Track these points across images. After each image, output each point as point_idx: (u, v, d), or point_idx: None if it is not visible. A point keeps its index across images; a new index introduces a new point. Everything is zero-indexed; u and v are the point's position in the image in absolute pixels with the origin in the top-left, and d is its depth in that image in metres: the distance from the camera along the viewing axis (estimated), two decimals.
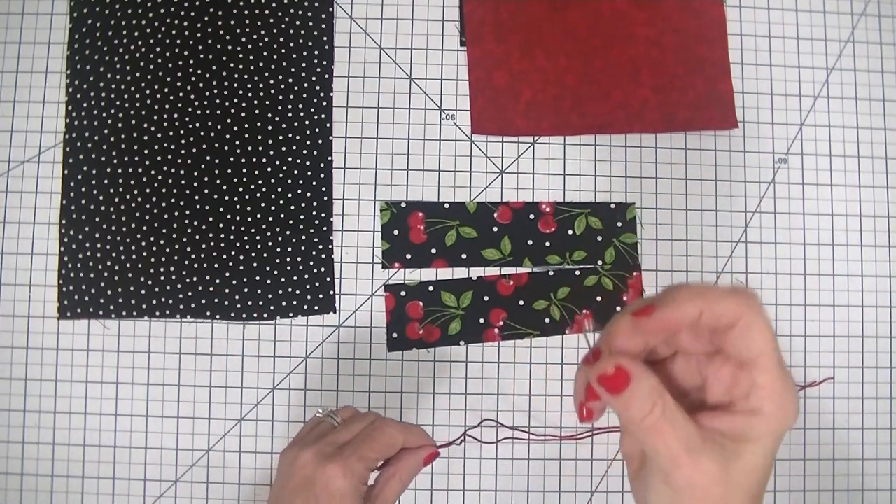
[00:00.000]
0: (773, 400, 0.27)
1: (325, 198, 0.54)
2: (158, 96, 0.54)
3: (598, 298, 0.54)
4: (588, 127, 0.55)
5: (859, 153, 0.57)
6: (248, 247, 0.54)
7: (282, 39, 0.55)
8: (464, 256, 0.54)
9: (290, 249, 0.54)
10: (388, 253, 0.54)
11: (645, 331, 0.27)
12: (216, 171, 0.54)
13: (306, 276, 0.54)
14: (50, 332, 0.54)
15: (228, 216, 0.54)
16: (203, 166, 0.54)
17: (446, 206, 0.55)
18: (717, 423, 0.27)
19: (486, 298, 0.54)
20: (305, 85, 0.55)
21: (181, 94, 0.54)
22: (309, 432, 0.42)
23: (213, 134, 0.54)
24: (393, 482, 0.40)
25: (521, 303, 0.54)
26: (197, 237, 0.54)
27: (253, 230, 0.54)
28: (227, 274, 0.53)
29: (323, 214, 0.54)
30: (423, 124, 0.55)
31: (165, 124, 0.54)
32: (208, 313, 0.53)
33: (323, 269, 0.54)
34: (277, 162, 0.54)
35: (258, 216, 0.54)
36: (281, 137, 0.55)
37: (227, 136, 0.54)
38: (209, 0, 0.55)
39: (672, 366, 0.30)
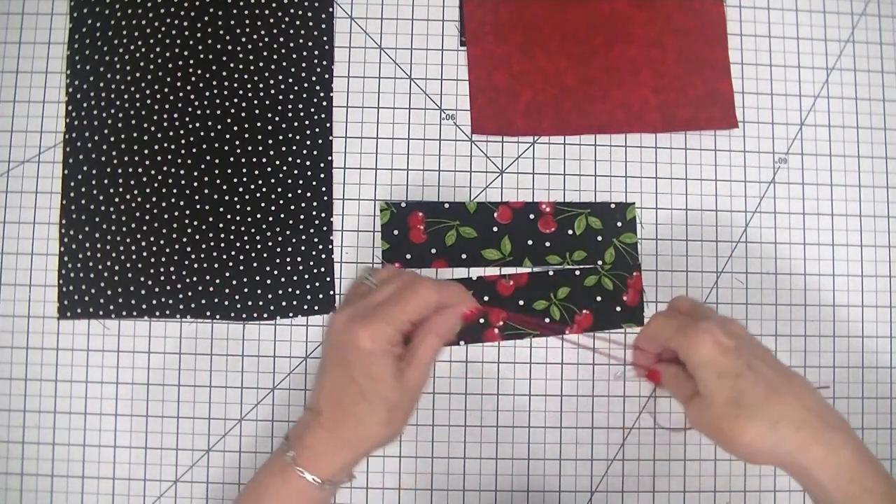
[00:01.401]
0: (681, 348, 0.41)
1: (325, 198, 0.54)
2: (158, 96, 0.54)
3: (598, 298, 0.54)
4: (588, 127, 0.55)
5: (859, 153, 0.57)
6: (248, 247, 0.54)
7: (282, 39, 0.55)
8: (464, 256, 0.54)
9: (290, 249, 0.54)
10: (388, 253, 0.54)
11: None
12: (216, 171, 0.54)
13: (306, 276, 0.54)
14: (50, 332, 0.54)
15: (228, 216, 0.54)
16: (203, 166, 0.54)
17: (446, 206, 0.55)
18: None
19: (486, 298, 0.54)
20: (305, 85, 0.55)
21: (181, 94, 0.54)
22: (352, 295, 0.42)
23: (213, 134, 0.54)
24: (429, 338, 0.39)
25: (521, 303, 0.54)
26: (197, 237, 0.54)
27: (253, 230, 0.54)
28: (227, 274, 0.53)
29: (323, 214, 0.54)
30: (423, 124, 0.55)
31: (165, 124, 0.54)
32: (208, 313, 0.53)
33: (323, 269, 0.54)
34: (277, 162, 0.54)
35: (258, 216, 0.54)
36: (281, 137, 0.55)
37: (227, 136, 0.54)
38: (209, 0, 0.55)
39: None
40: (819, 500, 0.39)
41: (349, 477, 0.42)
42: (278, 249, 0.54)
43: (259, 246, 0.54)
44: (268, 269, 0.54)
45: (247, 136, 0.54)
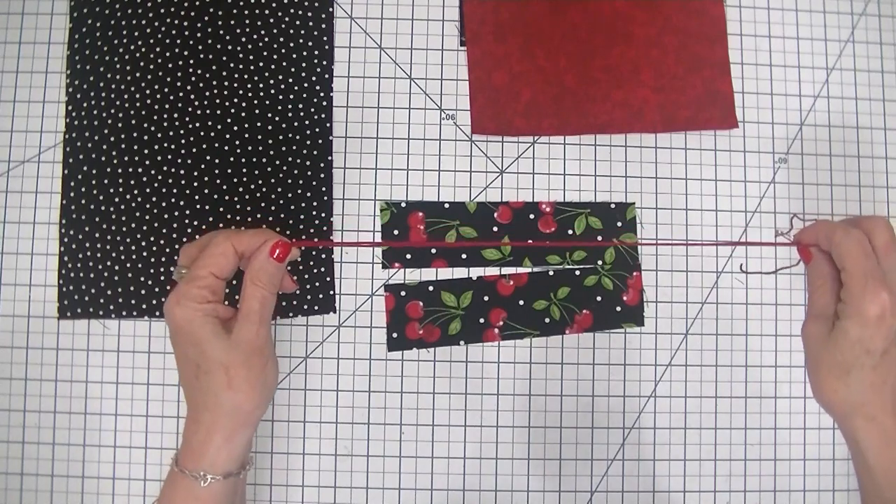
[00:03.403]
0: (852, 292, 0.39)
1: (325, 198, 0.54)
2: (158, 96, 0.54)
3: (598, 298, 0.54)
4: (588, 127, 0.55)
5: (859, 153, 0.57)
6: None
7: (282, 39, 0.55)
8: (464, 256, 0.54)
9: None
10: (388, 253, 0.54)
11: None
12: (216, 171, 0.54)
13: (306, 276, 0.54)
14: (50, 332, 0.54)
15: (228, 216, 0.54)
16: (203, 166, 0.54)
17: (446, 206, 0.55)
18: (838, 310, 0.40)
19: (486, 298, 0.54)
20: (305, 85, 0.55)
21: (181, 94, 0.54)
22: None
23: (213, 134, 0.54)
24: (248, 289, 0.37)
25: (521, 303, 0.54)
26: (197, 237, 0.53)
27: None
28: None
29: (323, 214, 0.54)
30: (423, 124, 0.55)
31: (165, 124, 0.54)
32: None
33: (323, 269, 0.54)
34: (277, 162, 0.54)
35: (258, 216, 0.54)
36: (281, 137, 0.55)
37: (227, 136, 0.54)
38: (209, 0, 0.55)
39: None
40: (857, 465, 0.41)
41: (239, 465, 0.39)
42: None
43: None
44: None
45: (247, 136, 0.54)
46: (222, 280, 0.38)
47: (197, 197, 0.54)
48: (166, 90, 0.54)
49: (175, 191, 0.54)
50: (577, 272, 0.54)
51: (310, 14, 0.56)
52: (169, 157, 0.54)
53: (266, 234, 0.39)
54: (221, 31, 0.55)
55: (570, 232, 0.55)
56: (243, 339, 0.37)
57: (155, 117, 0.54)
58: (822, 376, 0.40)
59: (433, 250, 0.54)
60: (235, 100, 0.55)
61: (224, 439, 0.37)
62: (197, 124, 0.54)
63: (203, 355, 0.36)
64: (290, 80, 0.55)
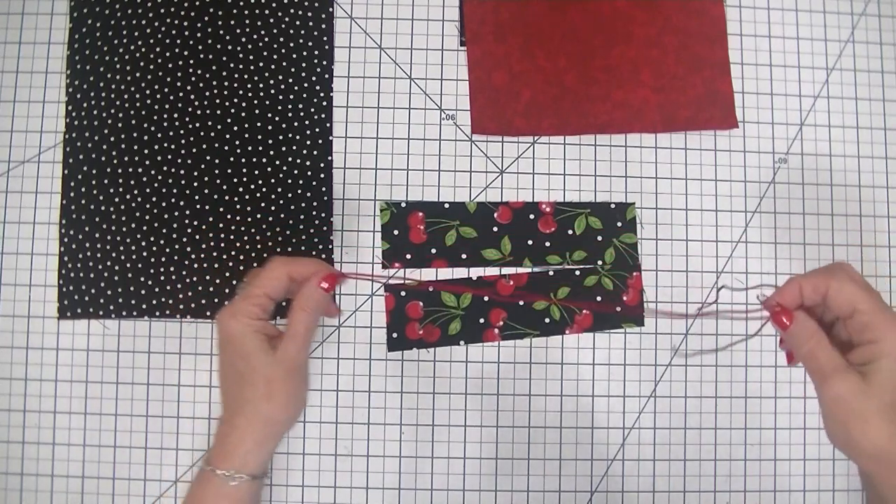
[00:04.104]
0: (880, 328, 0.37)
1: (325, 198, 0.54)
2: (158, 96, 0.54)
3: (598, 298, 0.54)
4: (588, 127, 0.55)
5: (859, 153, 0.57)
6: (248, 247, 0.54)
7: (282, 39, 0.55)
8: (464, 256, 0.54)
9: (290, 249, 0.54)
10: (388, 253, 0.54)
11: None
12: (216, 171, 0.54)
13: None
14: (50, 332, 0.54)
15: (228, 216, 0.54)
16: (203, 166, 0.54)
17: (446, 206, 0.55)
18: (853, 357, 0.38)
19: (486, 298, 0.54)
20: (305, 85, 0.55)
21: (181, 94, 0.54)
22: None
23: (213, 134, 0.54)
24: (295, 313, 0.41)
25: (521, 303, 0.54)
26: (197, 237, 0.54)
27: (253, 230, 0.54)
28: (227, 274, 0.53)
29: (323, 214, 0.54)
30: (423, 124, 0.55)
31: (165, 124, 0.54)
32: (208, 313, 0.53)
33: None
34: (277, 162, 0.54)
35: (258, 216, 0.54)
36: (281, 137, 0.55)
37: (227, 136, 0.54)
38: (209, 0, 0.55)
39: (833, 328, 0.41)
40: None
41: (263, 470, 0.42)
42: (278, 249, 0.54)
43: (259, 246, 0.54)
44: None
45: (247, 136, 0.54)
46: (273, 301, 0.42)
47: (197, 197, 0.54)
48: (166, 90, 0.54)
49: (175, 191, 0.54)
50: (577, 272, 0.54)
51: (310, 14, 0.56)
52: (169, 157, 0.54)
53: (318, 265, 0.43)
54: (221, 31, 0.55)
55: (570, 232, 0.55)
56: (286, 357, 0.40)
57: (155, 117, 0.54)
58: (872, 426, 0.37)
59: (433, 250, 0.54)
60: (235, 100, 0.55)
61: (255, 444, 0.40)
62: (197, 124, 0.54)
63: (248, 367, 0.40)
64: (290, 80, 0.55)
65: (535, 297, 0.54)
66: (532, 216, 0.55)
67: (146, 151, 0.54)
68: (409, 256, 0.54)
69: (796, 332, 0.39)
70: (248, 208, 0.54)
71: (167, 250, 0.53)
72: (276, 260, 0.42)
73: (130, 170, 0.54)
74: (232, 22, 0.55)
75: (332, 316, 0.45)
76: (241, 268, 0.53)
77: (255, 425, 0.40)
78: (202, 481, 0.40)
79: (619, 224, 0.55)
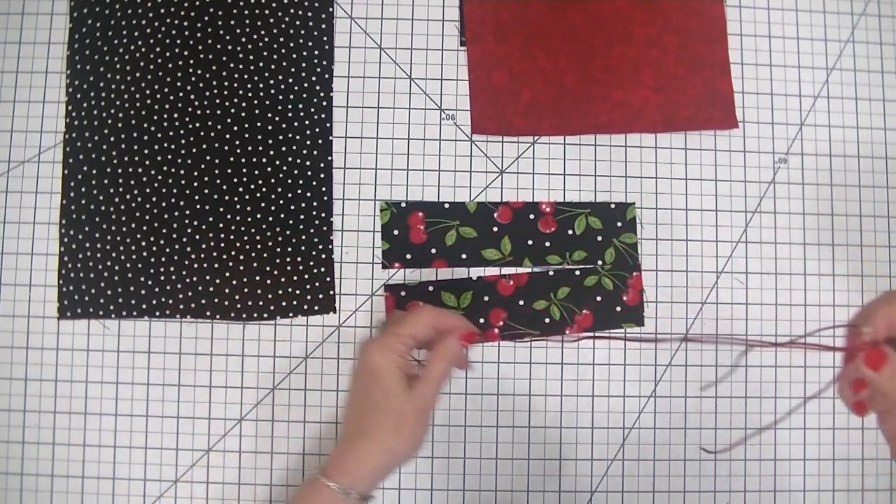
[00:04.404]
0: None
1: (325, 198, 0.54)
2: (158, 96, 0.54)
3: (598, 298, 0.54)
4: (588, 127, 0.55)
5: (859, 153, 0.57)
6: (248, 247, 0.54)
7: (282, 39, 0.55)
8: (464, 256, 0.54)
9: (290, 249, 0.54)
10: (388, 253, 0.54)
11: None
12: (216, 171, 0.54)
13: (306, 276, 0.54)
14: (50, 332, 0.54)
15: (228, 216, 0.54)
16: (203, 166, 0.54)
17: (446, 206, 0.55)
18: None
19: (486, 298, 0.54)
20: (305, 85, 0.55)
21: (181, 94, 0.54)
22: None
23: (213, 134, 0.54)
24: (433, 360, 0.44)
25: (521, 303, 0.54)
26: (197, 237, 0.54)
27: (253, 230, 0.54)
28: (227, 274, 0.53)
29: (323, 214, 0.54)
30: (423, 124, 0.55)
31: (165, 124, 0.54)
32: (208, 313, 0.53)
33: (323, 269, 0.54)
34: (277, 162, 0.54)
35: (258, 216, 0.54)
36: (281, 137, 0.55)
37: (227, 136, 0.54)
38: (209, 0, 0.55)
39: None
40: None
41: (371, 494, 0.45)
42: (278, 249, 0.54)
43: (259, 246, 0.54)
44: (268, 269, 0.54)
45: (247, 136, 0.54)
46: (416, 344, 0.45)
47: (197, 197, 0.54)
48: (166, 90, 0.54)
49: (175, 191, 0.54)
50: (577, 272, 0.54)
51: (310, 14, 0.56)
52: (169, 157, 0.54)
53: (461, 321, 0.46)
54: (221, 31, 0.55)
55: (570, 232, 0.55)
56: (420, 398, 0.44)
57: (155, 117, 0.54)
58: None
59: (433, 250, 0.54)
60: (235, 100, 0.55)
61: (373, 468, 0.43)
62: (197, 124, 0.54)
63: (385, 399, 0.43)
64: (290, 80, 0.55)
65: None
66: (532, 216, 0.55)
67: (146, 151, 0.54)
68: (409, 256, 0.54)
69: (886, 379, 0.33)
70: (248, 208, 0.54)
71: (167, 250, 0.53)
72: (426, 308, 0.46)
73: (130, 170, 0.54)
74: (232, 22, 0.55)
75: (463, 368, 0.49)
76: (241, 268, 0.53)
77: (379, 452, 0.43)
78: (314, 489, 0.43)
79: (619, 224, 0.55)
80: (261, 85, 0.55)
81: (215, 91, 0.55)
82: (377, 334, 0.46)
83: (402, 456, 0.44)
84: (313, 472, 0.44)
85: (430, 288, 0.54)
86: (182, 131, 0.54)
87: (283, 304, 0.53)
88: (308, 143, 0.55)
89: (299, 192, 0.54)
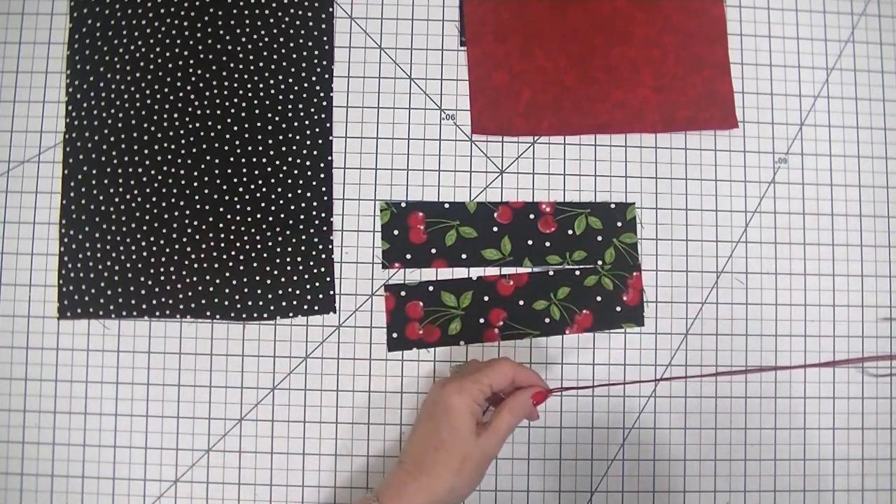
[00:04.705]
0: None
1: (325, 198, 0.54)
2: (158, 96, 0.54)
3: (598, 298, 0.54)
4: (588, 127, 0.55)
5: (859, 153, 0.57)
6: (248, 247, 0.54)
7: (282, 39, 0.55)
8: (464, 256, 0.54)
9: (290, 249, 0.54)
10: (388, 253, 0.54)
11: None
12: (216, 171, 0.54)
13: (306, 276, 0.54)
14: (50, 332, 0.54)
15: (228, 216, 0.54)
16: (203, 166, 0.54)
17: (446, 206, 0.55)
18: None
19: (486, 298, 0.54)
20: (305, 85, 0.55)
21: (181, 94, 0.54)
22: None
23: (213, 134, 0.54)
24: (503, 413, 0.45)
25: (521, 303, 0.54)
26: (197, 237, 0.54)
27: (253, 230, 0.54)
28: (227, 274, 0.53)
29: (323, 214, 0.54)
30: (423, 124, 0.55)
31: (165, 124, 0.54)
32: (208, 313, 0.53)
33: (323, 269, 0.54)
34: (277, 162, 0.54)
35: (258, 216, 0.54)
36: (281, 137, 0.55)
37: (227, 136, 0.54)
38: (209, 0, 0.55)
39: None
40: None
41: None
42: (278, 249, 0.54)
43: (259, 246, 0.54)
44: (268, 269, 0.54)
45: (247, 136, 0.54)
46: (491, 392, 0.46)
47: (197, 197, 0.54)
48: (166, 90, 0.54)
49: (175, 191, 0.54)
50: (577, 272, 0.54)
51: (310, 14, 0.56)
52: (169, 157, 0.54)
53: (536, 379, 0.47)
54: (221, 31, 0.55)
55: (570, 232, 0.55)
56: (486, 446, 0.45)
57: (155, 117, 0.54)
58: None
59: (433, 250, 0.54)
60: (235, 100, 0.55)
61: (427, 502, 0.44)
62: (197, 124, 0.54)
63: (452, 439, 0.44)
64: (290, 80, 0.55)
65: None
66: (532, 216, 0.55)
67: (146, 151, 0.54)
68: (409, 256, 0.54)
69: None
70: (248, 208, 0.54)
71: (167, 250, 0.53)
72: (506, 361, 0.47)
73: (130, 170, 0.54)
74: (232, 22, 0.55)
75: (532, 419, 0.50)
76: (241, 268, 0.53)
77: (436, 488, 0.44)
78: None
79: (619, 224, 0.55)
80: (261, 85, 0.55)
81: (215, 91, 0.55)
82: (453, 376, 0.47)
83: (455, 496, 0.45)
84: (368, 496, 0.45)
85: (430, 288, 0.54)
86: (182, 131, 0.54)
87: (283, 304, 0.53)
88: (308, 143, 0.55)
89: (299, 192, 0.54)
